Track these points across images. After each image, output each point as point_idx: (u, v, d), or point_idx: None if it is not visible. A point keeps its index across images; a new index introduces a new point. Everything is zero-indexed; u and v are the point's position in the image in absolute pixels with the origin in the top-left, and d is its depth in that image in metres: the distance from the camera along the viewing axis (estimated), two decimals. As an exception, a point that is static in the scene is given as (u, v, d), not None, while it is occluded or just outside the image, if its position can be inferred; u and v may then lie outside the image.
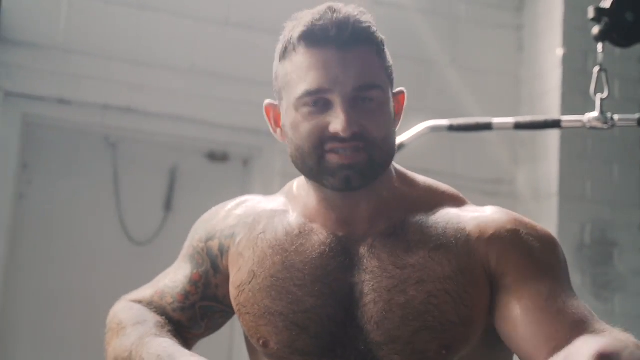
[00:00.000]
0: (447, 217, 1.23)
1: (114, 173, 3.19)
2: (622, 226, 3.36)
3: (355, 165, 1.17)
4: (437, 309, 1.16)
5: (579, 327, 1.09)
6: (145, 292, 1.38)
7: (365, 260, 1.21)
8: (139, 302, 1.36)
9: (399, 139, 2.16)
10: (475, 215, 1.23)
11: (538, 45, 3.53)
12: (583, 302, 1.16)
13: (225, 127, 3.18)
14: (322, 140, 1.17)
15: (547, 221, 3.31)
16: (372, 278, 1.19)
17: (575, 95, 3.29)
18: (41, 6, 3.03)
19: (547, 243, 1.21)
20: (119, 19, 3.11)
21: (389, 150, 1.22)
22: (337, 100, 1.16)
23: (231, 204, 1.37)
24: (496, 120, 2.11)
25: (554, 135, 3.34)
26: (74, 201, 3.13)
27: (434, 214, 1.24)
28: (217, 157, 3.31)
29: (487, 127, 2.10)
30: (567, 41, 3.32)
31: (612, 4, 1.99)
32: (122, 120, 3.11)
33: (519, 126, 2.08)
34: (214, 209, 1.39)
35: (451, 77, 3.53)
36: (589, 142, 3.37)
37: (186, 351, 1.18)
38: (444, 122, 2.16)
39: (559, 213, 3.28)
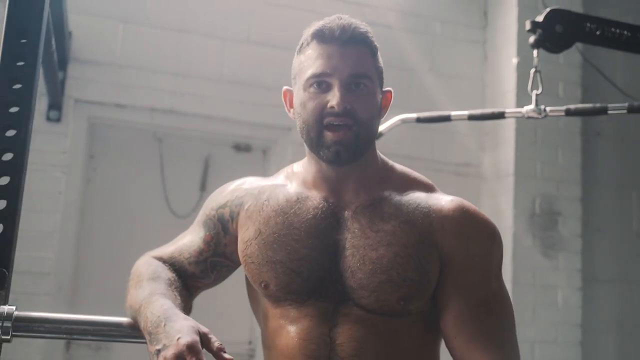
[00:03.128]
0: (417, 200, 1.26)
1: (160, 162, 3.20)
2: (565, 199, 3.41)
3: (345, 141, 1.21)
4: (400, 267, 1.19)
5: (482, 349, 1.18)
6: (167, 249, 1.38)
7: (348, 223, 1.25)
8: (160, 258, 1.35)
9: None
10: (438, 206, 1.25)
11: (498, 55, 3.58)
12: (497, 321, 1.21)
13: (248, 124, 3.21)
14: (322, 115, 1.22)
15: (506, 196, 3.38)
16: (352, 237, 1.23)
17: (527, 94, 3.35)
18: (102, 32, 3.07)
19: (486, 241, 1.24)
20: (163, 40, 3.15)
21: (372, 131, 1.27)
22: (335, 83, 1.22)
23: (238, 181, 1.40)
24: (454, 113, 2.18)
25: (510, 126, 3.40)
26: (130, 184, 3.15)
27: (406, 195, 1.28)
28: (241, 148, 3.33)
29: (447, 118, 2.16)
30: (521, 52, 3.36)
31: (545, 18, 2.06)
32: (166, 120, 3.13)
33: (472, 117, 2.15)
34: (223, 185, 1.41)
35: (429, 82, 3.57)
36: (539, 132, 3.43)
37: (182, 314, 1.14)
38: (413, 115, 2.23)
39: (515, 189, 3.33)
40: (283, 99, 1.35)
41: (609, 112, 1.95)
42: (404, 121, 2.23)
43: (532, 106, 2.08)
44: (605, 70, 3.29)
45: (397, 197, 1.27)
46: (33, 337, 1.32)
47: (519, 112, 2.10)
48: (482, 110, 2.20)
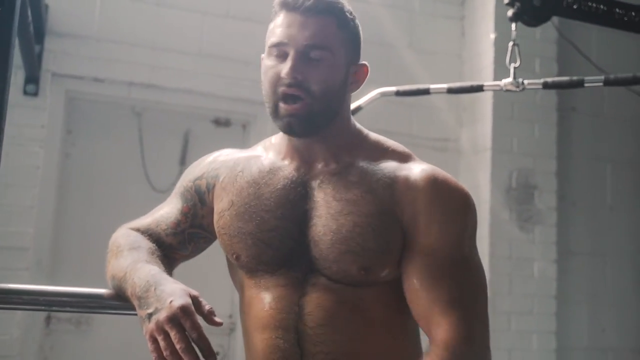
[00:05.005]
0: (385, 169, 1.23)
1: (139, 136, 3.17)
2: (541, 173, 3.43)
3: (296, 114, 1.19)
4: (360, 237, 1.16)
5: (440, 313, 1.13)
6: (144, 220, 1.36)
7: (315, 192, 1.23)
8: (137, 229, 1.34)
9: (357, 103, 2.21)
10: (405, 175, 1.21)
11: (476, 31, 3.57)
12: (461, 284, 1.16)
13: (227, 99, 3.18)
14: (277, 84, 1.19)
15: (484, 170, 3.39)
16: (317, 207, 1.21)
17: (505, 69, 3.35)
18: (79, 4, 3.02)
19: (455, 210, 1.20)
20: (142, 13, 3.10)
21: (329, 104, 1.21)
22: (291, 52, 1.19)
23: (215, 153, 1.38)
24: (433, 86, 2.17)
25: (488, 102, 3.40)
26: (108, 159, 3.12)
27: (376, 164, 1.23)
28: (221, 122, 3.30)
29: (426, 92, 2.16)
30: (498, 28, 3.35)
31: (523, -9, 2.07)
32: (145, 94, 3.10)
33: (451, 90, 2.15)
34: (201, 158, 1.39)
35: (408, 58, 3.55)
36: (516, 107, 3.43)
37: (170, 278, 1.14)
38: (393, 88, 2.22)
39: (492, 163, 3.35)
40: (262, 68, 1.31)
41: (585, 84, 1.95)
42: (383, 94, 2.22)
43: (510, 79, 2.08)
44: (581, 45, 3.29)
45: (365, 166, 1.23)
46: (12, 310, 1.31)
47: (497, 85, 2.11)
48: (461, 84, 2.21)
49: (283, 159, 1.28)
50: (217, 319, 1.07)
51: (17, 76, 2.87)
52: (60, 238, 2.96)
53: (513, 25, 2.10)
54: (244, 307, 1.28)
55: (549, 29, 3.18)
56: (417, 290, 1.17)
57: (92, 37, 3.02)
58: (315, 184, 1.24)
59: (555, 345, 3.35)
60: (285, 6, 1.22)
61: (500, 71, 3.35)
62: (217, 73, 3.16)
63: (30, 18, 2.25)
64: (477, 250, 1.23)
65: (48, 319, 2.93)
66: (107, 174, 3.10)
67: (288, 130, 1.21)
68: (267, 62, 1.23)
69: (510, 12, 2.08)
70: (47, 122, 2.93)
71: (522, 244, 3.34)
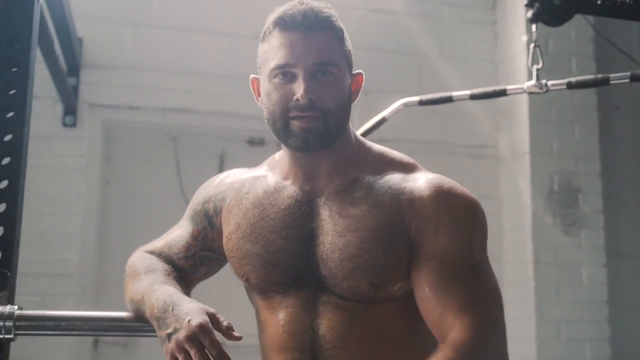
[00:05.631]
0: (391, 181, 1.21)
1: (176, 160, 3.21)
2: (584, 175, 3.33)
3: (312, 129, 1.17)
4: (367, 253, 1.15)
5: (453, 315, 1.10)
6: (157, 244, 1.37)
7: (321, 210, 1.21)
8: (152, 252, 1.35)
9: (381, 115, 2.21)
10: (411, 187, 1.19)
11: (508, 35, 3.51)
12: (472, 285, 1.13)
13: (260, 118, 3.05)
14: (288, 107, 1.18)
15: (524, 175, 3.33)
16: (323, 224, 1.19)
17: (539, 71, 3.30)
18: (112, 36, 3.10)
19: (463, 218, 1.17)
20: (172, 40, 3.17)
21: (342, 118, 1.21)
22: (300, 72, 1.17)
23: (222, 175, 1.38)
24: (455, 93, 2.14)
25: (524, 105, 3.33)
26: (147, 184, 3.17)
27: (381, 177, 1.22)
28: (255, 142, 3.32)
29: (449, 99, 2.13)
30: (530, 30, 3.29)
31: (542, -9, 2.03)
32: (179, 119, 3.15)
33: (474, 97, 2.11)
34: (210, 179, 1.39)
35: (440, 66, 3.51)
36: (554, 109, 3.36)
37: (187, 298, 1.16)
38: (416, 98, 2.19)
39: (531, 168, 3.27)
40: (251, 88, 1.31)
41: (611, 82, 1.89)
42: (406, 105, 2.19)
43: (533, 81, 2.04)
44: (620, 42, 3.20)
45: (370, 180, 1.22)
46: (36, 335, 1.34)
47: (520, 88, 2.07)
48: (484, 89, 2.16)
49: (285, 178, 1.27)
50: (236, 334, 1.08)
51: (55, 109, 2.98)
52: (103, 264, 3.02)
53: (534, 27, 2.06)
54: (260, 327, 1.28)
55: (584, 26, 3.10)
56: (429, 298, 1.14)
57: (126, 66, 3.10)
58: (320, 201, 1.22)
59: (610, 352, 3.23)
60: (281, 25, 1.20)
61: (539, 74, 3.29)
62: (249, 93, 3.12)
63: (57, 52, 2.33)
64: (487, 258, 1.20)
65: (96, 343, 3.00)
66: (147, 198, 3.16)
67: (303, 145, 1.19)
68: (270, 84, 1.20)
69: (529, 14, 2.04)
70: (86, 152, 3.01)
71: (568, 249, 3.25)
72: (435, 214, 1.16)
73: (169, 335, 1.08)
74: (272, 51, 1.20)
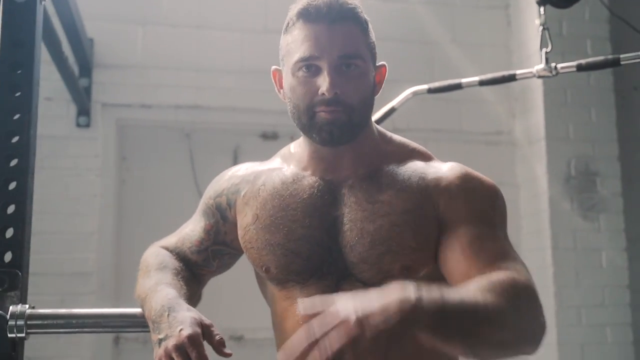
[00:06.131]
0: (414, 167, 1.23)
1: (190, 157, 3.22)
2: (601, 159, 3.29)
3: (337, 122, 1.16)
4: (399, 236, 1.15)
5: (491, 264, 1.08)
6: (172, 239, 1.38)
7: (345, 198, 1.21)
8: (166, 248, 1.36)
9: (389, 104, 2.18)
10: (435, 170, 1.22)
11: (522, 19, 3.47)
12: (505, 245, 1.14)
13: (273, 112, 3.17)
14: (312, 102, 1.16)
15: (540, 161, 3.29)
16: (349, 211, 1.19)
17: (553, 55, 3.25)
18: (122, 36, 3.12)
19: (486, 196, 1.19)
20: (182, 37, 3.17)
21: (365, 111, 1.21)
22: (324, 66, 1.15)
23: (234, 168, 1.37)
24: (464, 80, 2.11)
25: (539, 89, 3.29)
26: (163, 181, 3.19)
27: (404, 165, 1.23)
28: (268, 136, 3.32)
29: (458, 86, 2.10)
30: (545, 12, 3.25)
31: (549, -27, 1.99)
32: (192, 116, 3.16)
33: (482, 83, 2.08)
34: (221, 173, 1.38)
35: (453, 53, 3.48)
36: (569, 92, 3.31)
37: (185, 305, 1.14)
38: (424, 86, 2.17)
39: (547, 153, 3.23)
40: (273, 79, 1.28)
41: (622, 62, 1.86)
42: (415, 93, 2.17)
43: (542, 65, 2.01)
44: (636, 22, 3.13)
45: (394, 168, 1.23)
46: (48, 333, 1.36)
47: (530, 73, 2.03)
48: (493, 75, 2.12)
49: (304, 169, 1.26)
50: (226, 350, 1.07)
51: (69, 109, 3.01)
52: (121, 261, 3.05)
53: (541, 9, 2.02)
54: (276, 321, 1.27)
55: (598, 8, 3.04)
56: (458, 257, 1.13)
57: (137, 65, 3.12)
58: (344, 190, 1.22)
59: (632, 337, 3.19)
60: (305, 17, 1.18)
61: (549, 57, 3.24)
62: (261, 88, 3.17)
63: (66, 54, 2.34)
64: (509, 240, 1.19)
65: (117, 339, 3.03)
66: (163, 195, 3.18)
67: (329, 139, 1.18)
68: (294, 78, 1.19)
69: (537, -4, 2.00)
70: (101, 151, 3.04)
71: (587, 234, 3.21)
72: (462, 195, 1.18)
73: (160, 341, 1.08)
74: (295, 43, 1.18)
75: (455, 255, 1.14)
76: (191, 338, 1.05)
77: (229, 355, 1.08)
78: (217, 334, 1.09)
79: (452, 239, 1.15)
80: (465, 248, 1.13)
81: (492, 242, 1.14)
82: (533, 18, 3.37)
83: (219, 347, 1.08)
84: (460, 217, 1.16)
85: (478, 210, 1.17)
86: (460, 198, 1.18)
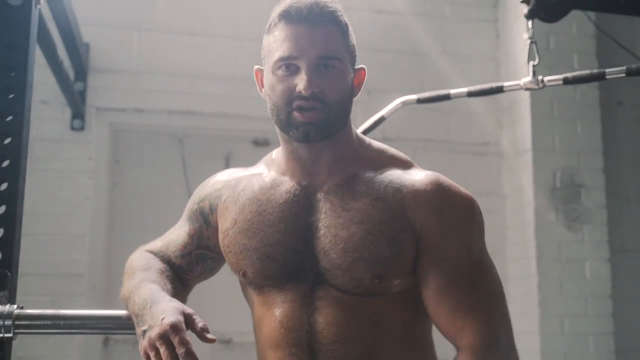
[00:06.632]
0: (391, 176, 1.22)
1: (182, 161, 3.21)
2: (586, 171, 3.30)
3: (314, 122, 1.17)
4: (372, 245, 1.15)
5: (463, 322, 1.14)
6: (157, 244, 1.39)
7: (320, 204, 1.21)
8: (151, 251, 1.37)
9: (379, 113, 2.18)
10: (411, 181, 1.20)
11: (510, 32, 3.48)
12: (480, 278, 1.17)
13: (264, 119, 3.06)
14: (291, 98, 1.17)
15: (526, 172, 3.30)
16: (324, 217, 1.19)
17: (540, 68, 3.27)
18: (117, 41, 3.11)
19: (462, 211, 1.19)
20: (176, 43, 3.17)
21: (343, 111, 1.21)
22: (303, 65, 1.17)
23: (218, 175, 1.38)
24: (453, 91, 2.12)
25: (526, 102, 3.30)
26: (155, 185, 3.18)
27: (381, 172, 1.23)
28: (260, 142, 3.31)
29: (447, 97, 2.11)
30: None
31: (537, -12, 2.01)
32: (185, 121, 3.15)
33: (471, 94, 2.09)
34: (207, 179, 1.40)
35: (442, 65, 3.49)
36: (555, 105, 3.32)
37: (167, 297, 1.15)
38: (414, 96, 2.17)
39: (534, 164, 3.24)
40: (255, 79, 1.30)
41: (607, 76, 1.87)
42: (404, 103, 2.18)
43: (529, 77, 2.02)
44: (621, 38, 3.16)
45: (370, 175, 1.22)
46: (35, 334, 1.35)
47: (517, 85, 2.04)
48: (481, 86, 2.13)
49: (283, 174, 1.27)
50: (209, 336, 1.08)
51: (64, 113, 3.00)
52: (112, 263, 3.03)
53: (530, 23, 2.03)
54: (255, 324, 1.28)
55: (585, 23, 3.06)
56: (438, 299, 1.16)
57: (131, 70, 3.11)
58: (320, 195, 1.22)
59: (614, 347, 3.20)
60: (287, 18, 1.20)
61: (536, 70, 3.26)
62: (252, 95, 3.08)
63: (60, 58, 2.33)
64: (486, 250, 1.22)
65: (106, 341, 3.01)
66: (154, 199, 3.17)
67: (304, 137, 1.19)
68: (273, 76, 1.20)
69: (525, 10, 2.02)
70: (94, 155, 3.03)
71: (571, 244, 3.22)
72: (439, 213, 1.17)
73: (144, 332, 1.09)
74: (276, 43, 1.20)
75: (431, 293, 1.17)
76: (173, 325, 1.05)
77: (212, 340, 1.08)
78: (200, 321, 1.09)
79: (429, 272, 1.17)
80: (440, 288, 1.16)
81: (467, 283, 1.16)
82: (521, 32, 3.38)
83: (201, 333, 1.08)
84: (438, 246, 1.17)
85: (456, 239, 1.17)
86: (437, 222, 1.17)
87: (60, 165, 2.97)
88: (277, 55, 1.19)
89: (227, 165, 3.24)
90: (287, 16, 1.19)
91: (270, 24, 1.23)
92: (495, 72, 3.56)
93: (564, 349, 3.13)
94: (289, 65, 1.18)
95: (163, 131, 3.21)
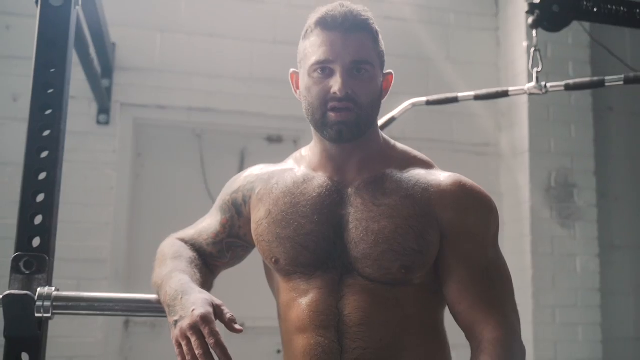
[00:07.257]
0: (417, 176, 1.24)
1: (200, 156, 3.21)
2: (579, 172, 3.31)
3: (346, 121, 1.19)
4: (401, 238, 1.17)
5: (486, 313, 1.16)
6: (189, 231, 1.40)
7: (352, 198, 1.22)
8: (182, 239, 1.37)
9: (390, 114, 2.19)
10: (437, 181, 1.22)
11: (510, 40, 3.49)
12: (497, 275, 1.20)
13: (278, 117, 3.20)
14: (326, 99, 1.19)
15: (523, 172, 3.30)
16: (355, 211, 1.21)
17: (539, 75, 3.27)
18: (142, 41, 3.11)
19: (484, 213, 1.22)
20: (197, 44, 3.17)
21: (372, 113, 1.23)
22: (338, 69, 1.18)
23: (251, 169, 1.39)
24: (461, 94, 2.12)
25: (524, 106, 3.31)
26: (174, 177, 3.18)
27: (407, 172, 1.25)
28: (273, 139, 3.32)
29: (455, 100, 2.11)
30: (530, 35, 3.24)
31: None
32: (203, 118, 3.14)
33: (477, 97, 2.09)
34: (239, 173, 1.41)
35: (446, 70, 3.49)
36: (552, 110, 3.33)
37: (197, 288, 1.16)
38: (423, 98, 2.18)
39: (530, 165, 3.25)
40: (290, 81, 1.31)
41: (606, 84, 1.87)
42: (414, 105, 2.17)
43: (533, 83, 2.02)
44: (614, 48, 3.15)
45: (398, 174, 1.24)
46: (95, 315, 1.34)
47: (522, 90, 2.04)
48: (487, 90, 2.13)
49: (315, 170, 1.28)
50: (237, 326, 1.08)
51: (90, 108, 3.00)
52: (134, 250, 3.03)
53: (534, 32, 2.03)
54: (282, 311, 1.28)
55: (580, 34, 3.06)
56: (459, 292, 1.18)
57: (155, 69, 3.11)
58: (351, 191, 1.23)
59: (601, 336, 3.20)
60: (323, 25, 1.21)
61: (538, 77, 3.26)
62: (268, 94, 3.19)
63: (92, 56, 2.33)
64: (500, 250, 1.25)
65: (127, 323, 3.02)
66: (173, 190, 3.17)
67: (337, 136, 1.20)
68: (309, 79, 1.22)
69: (530, 20, 2.02)
70: (118, 148, 3.03)
71: (563, 241, 3.22)
72: (465, 211, 1.20)
73: (176, 322, 1.09)
74: (313, 48, 1.22)
75: (453, 289, 1.19)
76: (203, 316, 1.05)
77: (239, 331, 1.08)
78: (228, 312, 1.09)
79: (453, 268, 1.19)
80: (463, 284, 1.18)
81: (488, 281, 1.18)
82: (520, 40, 3.40)
83: (230, 324, 1.08)
84: (461, 243, 1.19)
85: (477, 235, 1.20)
86: (461, 220, 1.19)
87: (86, 157, 2.96)
88: (313, 59, 1.20)
89: (242, 160, 3.25)
90: (324, 23, 1.21)
91: (307, 30, 1.24)
92: (496, 77, 3.56)
93: (555, 337, 3.13)
94: (324, 69, 1.19)
95: (183, 127, 3.20)
